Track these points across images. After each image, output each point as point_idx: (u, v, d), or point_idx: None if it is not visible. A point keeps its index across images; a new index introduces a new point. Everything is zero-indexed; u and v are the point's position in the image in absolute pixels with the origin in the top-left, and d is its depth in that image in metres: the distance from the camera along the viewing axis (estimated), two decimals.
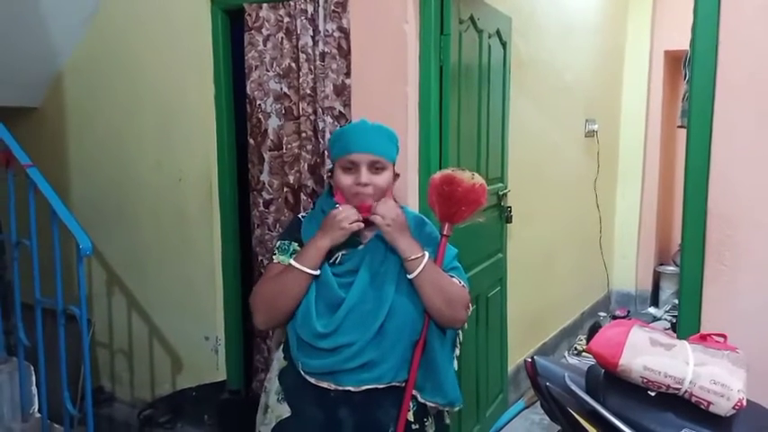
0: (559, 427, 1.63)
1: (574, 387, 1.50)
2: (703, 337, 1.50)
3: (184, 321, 2.88)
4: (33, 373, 2.48)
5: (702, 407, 1.35)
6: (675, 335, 1.62)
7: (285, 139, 2.37)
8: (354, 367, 1.54)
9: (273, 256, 1.65)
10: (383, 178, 1.58)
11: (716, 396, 1.33)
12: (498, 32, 2.72)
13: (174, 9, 2.71)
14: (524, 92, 3.18)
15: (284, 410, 1.62)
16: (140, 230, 2.97)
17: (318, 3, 2.24)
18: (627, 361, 1.40)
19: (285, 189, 2.40)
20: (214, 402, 2.78)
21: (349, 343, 1.53)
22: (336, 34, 2.23)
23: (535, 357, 1.64)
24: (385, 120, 1.70)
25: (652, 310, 4.84)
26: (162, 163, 2.85)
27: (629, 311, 4.63)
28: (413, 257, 1.53)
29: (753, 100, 1.70)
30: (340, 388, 1.55)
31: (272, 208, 2.46)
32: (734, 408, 1.33)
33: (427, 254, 1.55)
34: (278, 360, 1.69)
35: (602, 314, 4.45)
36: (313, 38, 2.27)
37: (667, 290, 4.89)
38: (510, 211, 2.89)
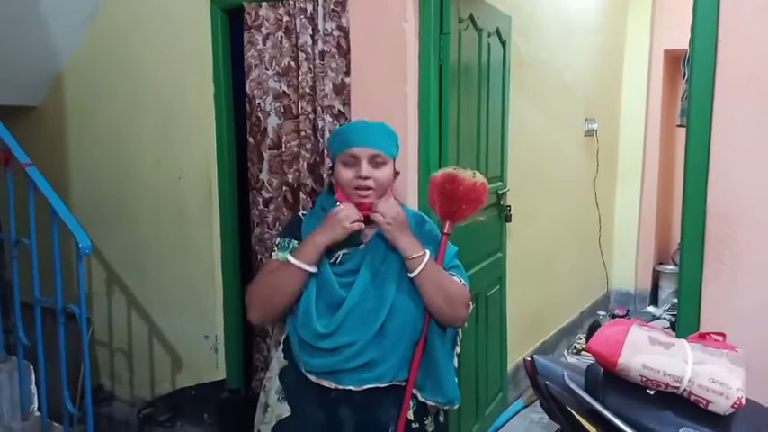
0: (559, 426, 1.63)
1: (573, 386, 1.50)
2: (702, 336, 1.51)
3: (184, 320, 2.89)
4: (33, 371, 2.48)
5: (701, 405, 1.35)
6: (674, 334, 1.62)
7: (284, 137, 2.37)
8: (355, 367, 1.54)
9: (272, 253, 1.65)
10: (383, 173, 1.58)
11: (715, 394, 1.33)
12: (498, 31, 2.72)
13: (174, 8, 2.71)
14: (524, 91, 3.18)
15: (284, 410, 1.62)
16: (140, 229, 2.97)
17: (318, 2, 2.24)
18: (626, 359, 1.40)
19: (284, 188, 2.40)
20: (213, 401, 2.78)
21: (350, 343, 1.53)
22: (336, 33, 2.23)
23: (534, 356, 1.64)
24: (384, 119, 1.70)
25: (651, 308, 4.84)
26: (161, 162, 2.85)
27: (628, 310, 4.64)
28: (414, 256, 1.53)
29: (752, 99, 1.71)
30: (340, 387, 1.55)
31: (272, 206, 2.46)
32: (733, 406, 1.33)
33: (428, 252, 1.55)
34: (278, 359, 1.69)
35: (601, 313, 4.45)
36: (312, 37, 2.27)
37: (666, 289, 4.89)
38: (509, 210, 2.89)
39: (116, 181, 3.01)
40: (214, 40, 2.63)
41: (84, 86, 3.06)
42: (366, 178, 1.55)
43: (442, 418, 1.71)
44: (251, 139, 2.46)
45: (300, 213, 1.75)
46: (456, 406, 1.67)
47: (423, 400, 1.61)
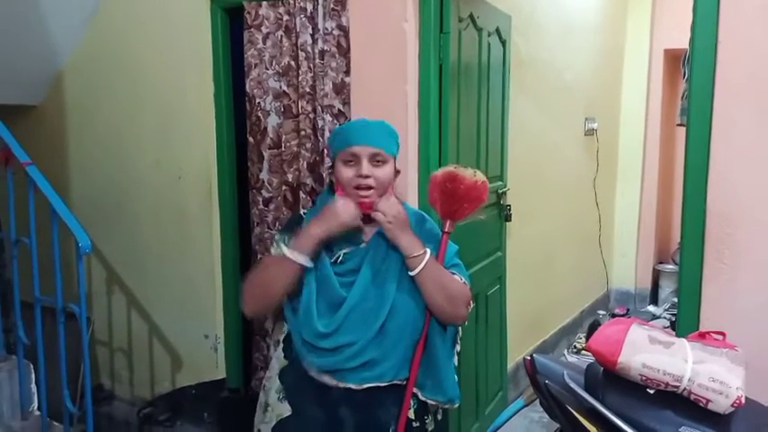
0: (558, 425, 1.63)
1: (573, 385, 1.50)
2: (702, 335, 1.51)
3: (184, 319, 2.89)
4: (33, 371, 2.48)
5: (701, 404, 1.35)
6: (674, 333, 1.62)
7: (284, 137, 2.37)
8: (356, 366, 1.54)
9: (271, 249, 1.65)
10: (384, 171, 1.57)
11: (714, 394, 1.33)
12: (498, 31, 2.72)
13: (174, 7, 2.71)
14: (524, 91, 3.18)
15: (285, 409, 1.62)
16: (140, 229, 2.97)
17: (318, 1, 2.24)
18: (626, 359, 1.40)
19: (284, 187, 2.40)
20: (213, 400, 2.78)
21: (350, 342, 1.53)
22: (336, 32, 2.23)
23: (534, 355, 1.64)
24: (384, 118, 1.69)
25: (651, 308, 4.84)
26: (161, 161, 2.85)
27: (628, 310, 4.64)
28: (414, 254, 1.53)
29: (752, 98, 1.71)
30: (341, 384, 1.55)
31: (272, 206, 2.46)
32: (732, 405, 1.33)
33: (429, 251, 1.55)
34: (278, 359, 1.69)
35: (601, 312, 4.45)
36: (312, 36, 2.27)
37: (666, 288, 4.89)
38: (509, 210, 2.89)
39: (116, 180, 3.01)
40: (214, 40, 2.62)
41: (84, 86, 3.06)
42: (367, 177, 1.55)
43: (440, 416, 1.71)
44: (251, 139, 2.46)
45: (301, 212, 1.75)
46: (456, 405, 1.67)
47: (423, 398, 1.61)
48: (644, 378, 1.39)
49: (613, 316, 4.31)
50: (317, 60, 2.26)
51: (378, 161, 1.56)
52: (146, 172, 2.90)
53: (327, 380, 1.56)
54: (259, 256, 2.50)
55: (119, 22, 2.89)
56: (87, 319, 2.30)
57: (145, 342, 3.02)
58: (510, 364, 3.15)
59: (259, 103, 2.42)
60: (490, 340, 2.82)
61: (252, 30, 2.40)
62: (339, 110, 2.26)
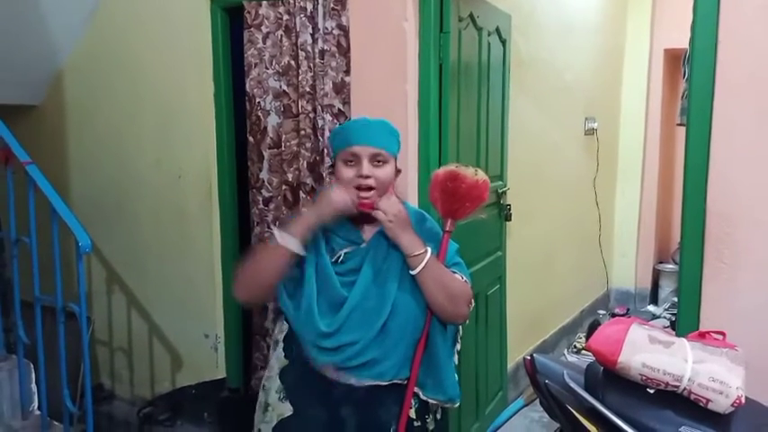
0: (558, 425, 1.63)
1: (573, 384, 1.50)
2: (702, 335, 1.51)
3: (184, 319, 2.89)
4: (33, 370, 2.48)
5: (701, 404, 1.35)
6: (674, 333, 1.62)
7: (284, 136, 2.37)
8: (357, 365, 1.54)
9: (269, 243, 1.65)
10: (385, 171, 1.57)
11: (714, 393, 1.33)
12: (498, 30, 2.72)
13: (174, 7, 2.71)
14: (524, 90, 3.18)
15: (286, 409, 1.62)
16: (140, 228, 2.97)
17: (318, 0, 2.24)
18: (626, 358, 1.40)
19: (284, 187, 2.40)
20: (213, 400, 2.78)
21: (352, 342, 1.53)
22: (336, 32, 2.23)
23: (534, 355, 1.64)
24: (384, 117, 1.69)
25: (651, 308, 4.84)
26: (161, 161, 2.85)
27: (628, 309, 4.64)
28: (415, 253, 1.53)
29: (752, 98, 1.71)
30: (342, 379, 1.55)
31: (272, 206, 2.46)
32: (732, 405, 1.33)
33: (430, 250, 1.55)
34: (278, 359, 1.69)
35: (601, 312, 4.45)
36: (312, 35, 2.27)
37: (666, 288, 4.89)
38: (509, 210, 2.89)
39: (116, 180, 3.01)
40: (214, 39, 2.63)
41: (84, 85, 3.06)
42: (367, 177, 1.55)
43: (439, 416, 1.71)
44: (251, 138, 2.46)
45: (304, 210, 1.75)
46: (456, 404, 1.67)
47: (424, 398, 1.61)
48: (644, 378, 1.39)
49: (613, 316, 4.31)
50: (317, 60, 2.26)
51: (378, 161, 1.56)
52: (146, 171, 2.90)
53: (330, 373, 1.55)
54: None
55: (119, 22, 2.89)
56: (87, 318, 2.30)
57: (145, 341, 3.02)
58: (510, 364, 3.15)
59: (259, 102, 2.42)
60: (490, 340, 2.82)
61: (252, 29, 2.40)
62: (339, 109, 2.26)
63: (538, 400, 1.66)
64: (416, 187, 2.21)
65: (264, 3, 2.36)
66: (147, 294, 3.01)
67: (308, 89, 2.30)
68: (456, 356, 1.69)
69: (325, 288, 1.56)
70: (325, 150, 2.26)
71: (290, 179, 2.37)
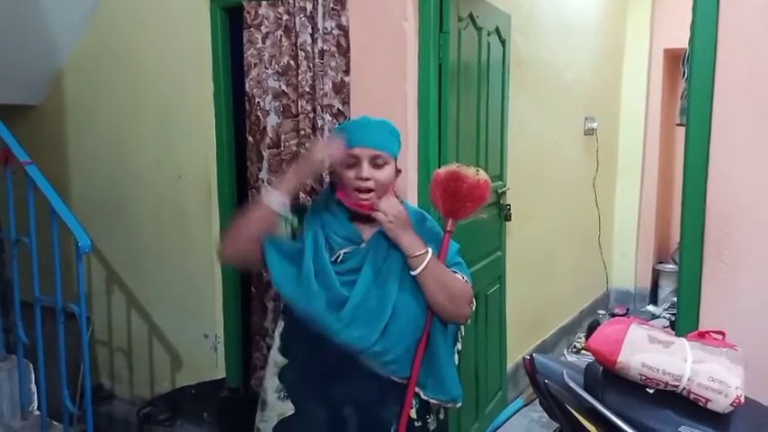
0: (558, 425, 1.63)
1: (572, 384, 1.50)
2: (702, 335, 1.51)
3: (184, 319, 2.89)
4: (33, 370, 2.49)
5: (701, 404, 1.35)
6: (674, 333, 1.62)
7: (284, 136, 2.37)
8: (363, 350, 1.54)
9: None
10: (385, 173, 1.57)
11: (714, 393, 1.33)
12: (497, 30, 2.72)
13: (174, 6, 2.71)
14: (524, 90, 3.18)
15: (287, 408, 1.62)
16: (140, 228, 2.97)
17: (317, 0, 2.24)
18: (625, 358, 1.40)
19: None
20: (213, 400, 2.78)
21: (355, 341, 1.54)
22: (335, 32, 2.23)
23: (534, 355, 1.64)
24: (384, 117, 1.69)
25: (651, 307, 4.85)
26: (161, 160, 2.85)
27: (627, 309, 4.64)
28: (416, 254, 1.53)
29: (751, 98, 1.71)
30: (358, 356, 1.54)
31: None
32: (732, 405, 1.33)
33: (430, 250, 1.55)
34: (274, 360, 1.69)
35: (601, 312, 4.46)
36: (312, 35, 2.27)
37: (666, 288, 4.90)
38: (509, 209, 2.89)
39: (116, 180, 3.01)
40: (214, 39, 2.63)
41: (83, 85, 3.06)
42: (367, 179, 1.55)
43: (442, 416, 1.71)
44: (250, 138, 2.46)
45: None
46: (458, 404, 1.67)
47: (425, 398, 1.61)
48: (643, 377, 1.39)
49: (613, 315, 4.31)
50: (317, 60, 2.26)
51: (378, 164, 1.56)
52: (146, 171, 2.90)
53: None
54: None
55: (119, 22, 2.89)
56: (87, 318, 2.30)
57: (144, 342, 3.02)
58: (510, 364, 3.15)
59: (258, 102, 2.42)
60: (490, 340, 2.82)
61: (251, 29, 2.40)
62: (338, 109, 2.26)
63: (537, 399, 1.66)
64: (416, 187, 2.21)
65: (264, 3, 2.36)
66: (146, 294, 3.01)
67: (307, 89, 2.30)
68: (456, 356, 1.69)
69: (325, 287, 1.56)
70: None
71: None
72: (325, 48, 2.25)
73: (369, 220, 1.57)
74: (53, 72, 3.12)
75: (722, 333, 1.50)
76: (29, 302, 2.36)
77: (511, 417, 1.76)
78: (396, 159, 1.62)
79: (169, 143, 2.81)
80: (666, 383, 1.37)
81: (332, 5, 2.22)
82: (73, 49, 3.04)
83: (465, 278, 1.62)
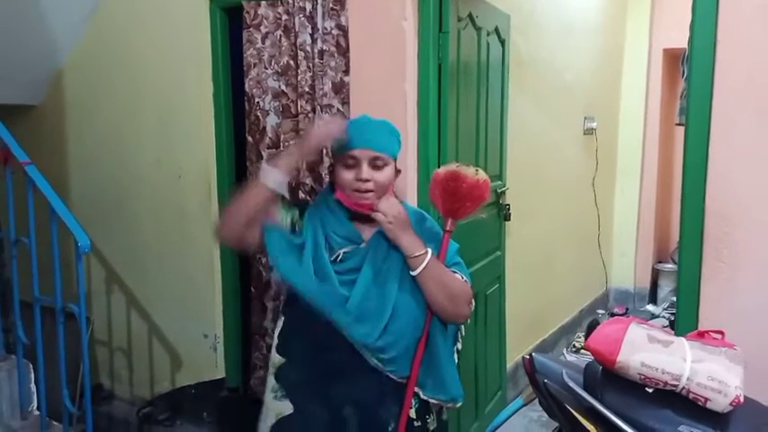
0: (557, 424, 1.63)
1: (572, 384, 1.50)
2: (701, 334, 1.51)
3: (183, 319, 2.89)
4: (32, 370, 2.49)
5: (700, 403, 1.35)
6: (673, 332, 1.62)
7: (283, 136, 2.37)
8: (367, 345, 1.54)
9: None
10: (384, 174, 1.57)
11: (713, 392, 1.34)
12: (497, 30, 2.72)
13: (174, 6, 2.71)
14: (524, 90, 3.18)
15: (284, 408, 1.62)
16: (140, 228, 2.97)
17: (317, 0, 2.24)
18: (624, 358, 1.40)
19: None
20: (213, 400, 2.78)
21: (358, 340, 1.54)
22: (335, 32, 2.23)
23: (533, 354, 1.64)
24: (383, 117, 1.69)
25: (650, 307, 4.85)
26: (161, 160, 2.85)
27: (627, 309, 4.64)
28: (416, 254, 1.53)
29: (751, 98, 1.71)
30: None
31: None
32: (731, 404, 1.33)
33: (430, 250, 1.55)
34: (272, 360, 1.69)
35: (600, 311, 4.46)
36: (312, 35, 2.27)
37: (665, 287, 4.90)
38: (508, 209, 2.89)
39: (116, 179, 3.01)
40: (213, 39, 2.63)
41: (83, 84, 3.06)
42: (366, 181, 1.55)
43: (445, 416, 1.71)
44: (250, 138, 2.46)
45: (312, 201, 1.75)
46: (459, 404, 1.67)
47: (424, 398, 1.61)
48: (643, 377, 1.39)
49: (612, 315, 4.31)
50: (316, 60, 2.26)
51: (377, 165, 1.56)
52: (145, 171, 2.90)
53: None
54: (258, 256, 2.50)
55: (118, 21, 2.89)
56: (87, 318, 2.30)
57: (144, 341, 3.02)
58: (509, 364, 3.15)
59: (258, 102, 2.42)
60: (489, 340, 2.83)
61: (251, 29, 2.40)
62: (338, 109, 2.26)
63: (537, 399, 1.66)
64: (416, 187, 2.22)
65: (263, 3, 2.36)
66: (146, 294, 3.01)
67: (307, 89, 2.30)
68: (456, 355, 1.70)
69: (324, 284, 1.56)
70: (325, 150, 2.26)
71: (290, 179, 2.37)
72: (324, 48, 2.25)
73: (369, 219, 1.57)
74: (53, 72, 3.12)
75: (721, 332, 1.50)
76: (28, 302, 2.35)
77: (510, 416, 1.76)
78: (395, 160, 1.62)
79: (169, 143, 2.81)
80: (666, 383, 1.38)
81: (331, 5, 2.22)
82: (73, 48, 3.05)
83: (464, 278, 1.62)
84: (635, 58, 4.68)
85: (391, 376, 1.57)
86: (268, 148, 2.42)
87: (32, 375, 2.49)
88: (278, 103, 2.38)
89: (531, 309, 3.51)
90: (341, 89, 2.25)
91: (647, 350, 1.40)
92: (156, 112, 2.84)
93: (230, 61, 2.66)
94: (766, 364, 1.63)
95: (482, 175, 1.57)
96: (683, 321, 1.83)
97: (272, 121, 2.40)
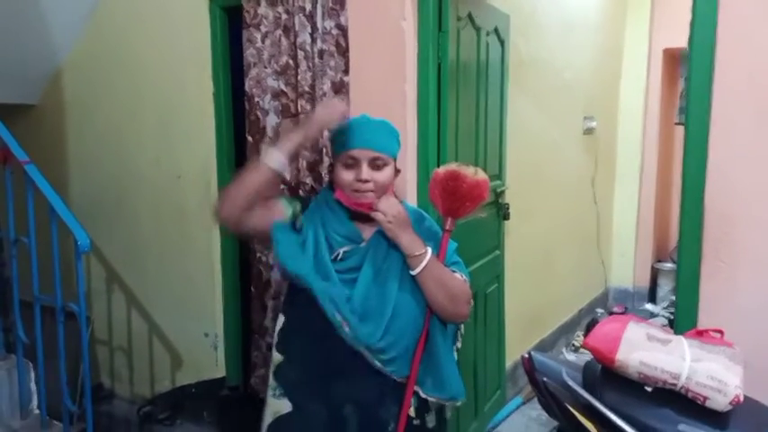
0: (557, 423, 1.64)
1: (571, 382, 1.50)
2: (700, 333, 1.51)
3: (184, 318, 2.89)
4: (32, 369, 2.49)
5: (699, 402, 1.36)
6: (672, 331, 1.62)
7: (283, 136, 2.37)
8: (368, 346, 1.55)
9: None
10: (384, 174, 1.57)
11: (712, 391, 1.34)
12: (496, 30, 2.72)
13: (173, 6, 2.71)
14: (523, 90, 3.18)
15: (281, 406, 1.63)
16: (140, 227, 2.97)
17: (317, 0, 2.24)
18: (623, 356, 1.40)
19: (283, 186, 2.40)
20: (213, 399, 2.78)
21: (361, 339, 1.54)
22: (334, 32, 2.23)
23: (532, 353, 1.65)
24: (383, 117, 1.69)
25: (649, 306, 4.85)
26: (161, 160, 2.85)
27: (626, 308, 4.64)
28: (416, 254, 1.53)
29: (750, 97, 1.71)
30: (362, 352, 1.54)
31: None
32: (731, 403, 1.33)
33: (430, 249, 1.55)
34: (272, 357, 1.69)
35: (599, 311, 4.46)
36: (311, 35, 2.27)
37: (665, 287, 4.90)
38: (508, 209, 2.89)
39: (116, 179, 3.01)
40: (213, 39, 2.63)
41: (83, 84, 3.06)
42: (366, 181, 1.55)
43: (449, 414, 1.71)
44: (250, 138, 2.47)
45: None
46: (459, 402, 1.67)
47: (424, 396, 1.61)
48: (642, 376, 1.40)
49: (611, 314, 4.32)
50: (316, 59, 2.27)
51: (377, 165, 1.56)
52: (145, 170, 2.90)
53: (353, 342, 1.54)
54: (258, 255, 2.50)
55: (118, 21, 2.89)
56: (87, 317, 2.30)
57: (145, 341, 3.03)
58: (508, 363, 3.15)
59: (258, 102, 2.42)
60: (488, 338, 2.83)
61: (251, 29, 2.40)
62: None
63: (536, 398, 1.66)
64: (415, 186, 2.22)
65: (263, 2, 2.36)
66: (146, 293, 3.02)
67: (306, 89, 2.30)
68: (455, 354, 1.70)
69: (325, 281, 1.56)
70: (324, 150, 2.27)
71: (289, 179, 2.37)
72: (324, 47, 2.25)
73: (369, 219, 1.57)
74: (52, 71, 3.12)
75: (720, 331, 1.50)
76: (28, 302, 2.36)
77: (510, 415, 1.76)
78: (395, 159, 1.63)
79: (169, 142, 2.82)
80: (665, 382, 1.38)
81: (331, 5, 2.22)
82: (72, 48, 3.05)
83: (464, 277, 1.63)
84: (635, 57, 4.68)
85: (391, 376, 1.57)
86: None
87: (32, 374, 2.49)
88: (278, 102, 2.38)
89: (531, 308, 3.51)
90: (340, 89, 2.25)
91: (645, 349, 1.40)
92: (156, 112, 2.84)
93: (230, 61, 2.66)
94: (766, 363, 1.63)
95: (481, 174, 1.58)
96: (682, 320, 1.83)
97: (271, 120, 2.40)
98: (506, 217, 2.89)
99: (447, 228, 1.60)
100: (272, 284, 2.46)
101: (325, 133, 2.24)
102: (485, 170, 1.60)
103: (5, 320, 2.62)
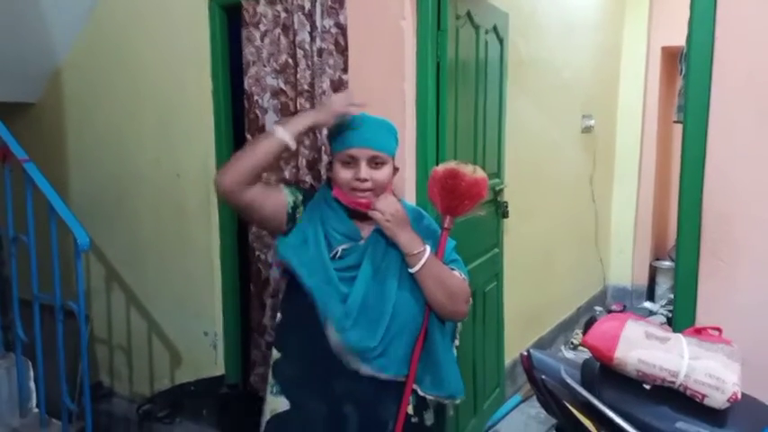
0: (555, 421, 1.64)
1: (569, 380, 1.51)
2: (698, 331, 1.51)
3: (183, 316, 2.89)
4: (31, 368, 2.49)
5: (697, 400, 1.36)
6: (671, 329, 1.63)
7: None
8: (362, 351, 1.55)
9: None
10: (383, 173, 1.58)
11: (710, 389, 1.34)
12: (495, 28, 2.72)
13: (173, 5, 2.71)
14: (522, 88, 3.18)
15: (279, 404, 1.63)
16: (139, 226, 2.98)
17: None
18: (622, 354, 1.41)
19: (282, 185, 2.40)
20: (213, 397, 2.79)
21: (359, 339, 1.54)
22: (334, 30, 2.23)
23: (531, 350, 1.65)
24: (382, 116, 1.69)
25: (648, 304, 4.86)
26: (161, 159, 2.85)
27: (624, 306, 4.65)
28: (414, 252, 1.53)
29: (749, 95, 1.71)
30: (351, 364, 1.54)
31: None
32: (728, 401, 1.34)
33: (428, 248, 1.55)
34: (272, 355, 1.70)
35: (598, 309, 4.47)
36: (310, 34, 2.27)
37: (663, 285, 4.91)
38: (506, 207, 2.90)
39: (115, 177, 3.01)
40: (212, 37, 2.63)
41: (82, 82, 3.06)
42: (365, 180, 1.55)
43: (451, 412, 1.72)
44: (249, 137, 2.47)
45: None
46: (458, 400, 1.67)
47: (422, 394, 1.62)
48: (640, 373, 1.40)
49: (610, 312, 4.32)
50: (315, 58, 2.27)
51: (376, 164, 1.56)
52: (145, 169, 2.90)
53: (342, 354, 1.54)
54: (257, 254, 2.51)
55: (118, 19, 2.89)
56: (86, 316, 2.30)
57: (144, 339, 3.03)
58: (507, 360, 3.16)
59: (257, 100, 2.42)
60: (487, 337, 2.83)
61: (250, 27, 2.40)
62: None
63: (535, 396, 1.67)
64: (414, 185, 2.22)
65: (262, 1, 2.36)
66: (146, 292, 3.02)
67: (306, 87, 2.30)
68: (454, 352, 1.70)
69: (324, 279, 1.56)
70: (323, 148, 2.27)
71: (288, 177, 2.37)
72: (323, 46, 2.25)
73: (367, 217, 1.58)
74: (52, 69, 3.12)
75: (719, 329, 1.51)
76: (27, 300, 2.36)
77: (508, 413, 1.77)
78: (393, 158, 1.63)
79: (168, 141, 2.82)
80: (663, 379, 1.38)
81: (330, 4, 2.22)
82: (72, 46, 3.04)
83: (462, 275, 1.63)
84: (633, 56, 4.68)
85: (390, 376, 1.57)
86: None
87: (31, 373, 2.50)
88: (277, 101, 2.39)
89: (529, 306, 3.51)
90: (339, 87, 2.25)
91: (644, 347, 1.40)
92: (156, 111, 2.84)
93: (229, 59, 2.66)
94: (764, 360, 1.63)
95: (480, 172, 1.58)
96: (681, 318, 1.84)
97: (271, 119, 2.40)
98: (505, 215, 2.90)
99: (446, 226, 1.60)
100: (270, 283, 2.46)
101: (324, 132, 2.25)
102: (483, 168, 1.60)
103: (5, 319, 2.63)
